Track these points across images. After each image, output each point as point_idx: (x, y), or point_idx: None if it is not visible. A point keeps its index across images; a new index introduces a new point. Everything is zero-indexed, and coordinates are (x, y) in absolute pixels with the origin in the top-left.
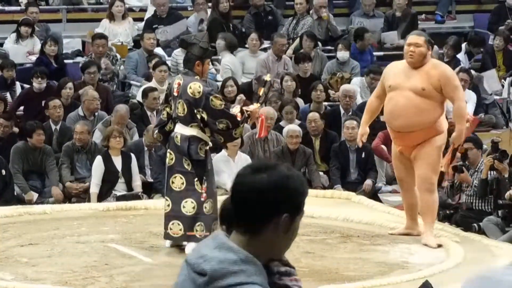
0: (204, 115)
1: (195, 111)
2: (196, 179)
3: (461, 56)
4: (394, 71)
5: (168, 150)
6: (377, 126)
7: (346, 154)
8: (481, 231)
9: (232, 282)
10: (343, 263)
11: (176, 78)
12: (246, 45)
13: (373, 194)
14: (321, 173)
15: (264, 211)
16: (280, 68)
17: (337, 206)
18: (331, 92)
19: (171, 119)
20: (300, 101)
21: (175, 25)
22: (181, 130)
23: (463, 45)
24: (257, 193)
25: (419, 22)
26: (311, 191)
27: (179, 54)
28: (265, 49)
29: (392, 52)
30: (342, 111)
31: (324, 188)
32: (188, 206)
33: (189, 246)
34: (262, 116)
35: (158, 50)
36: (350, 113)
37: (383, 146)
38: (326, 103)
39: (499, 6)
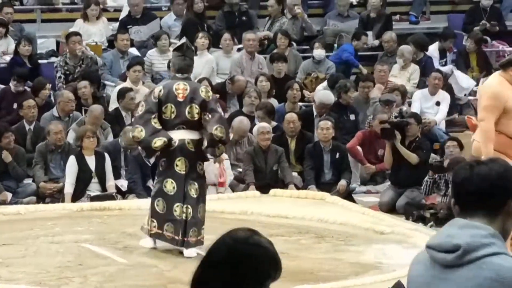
0: (207, 117)
1: (203, 114)
2: (205, 182)
3: (434, 54)
4: (508, 90)
5: (179, 159)
6: (347, 125)
7: (320, 155)
8: None
9: (486, 253)
10: (317, 264)
11: (173, 83)
12: (220, 46)
13: (348, 195)
14: (295, 173)
15: (500, 197)
16: (254, 67)
17: (311, 206)
18: (305, 92)
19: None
20: (274, 101)
21: (149, 25)
22: (190, 136)
23: (436, 44)
24: (491, 182)
25: (393, 22)
26: (285, 192)
27: (153, 54)
28: (240, 50)
29: (367, 52)
30: (315, 112)
31: (298, 188)
32: (202, 211)
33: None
34: None
35: (132, 50)
36: (324, 114)
37: (358, 147)
38: (300, 103)
39: (473, 6)
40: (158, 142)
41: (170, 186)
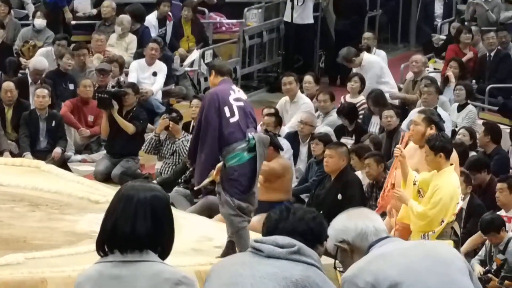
0: None
1: None
2: None
3: (152, 23)
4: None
5: None
6: (65, 94)
7: (36, 123)
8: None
9: (313, 263)
10: (31, 232)
11: None
12: None
13: (63, 163)
14: (10, 142)
15: (312, 239)
16: None
17: (26, 174)
18: (22, 60)
19: None
20: None
21: None
22: None
23: (155, 12)
24: (306, 222)
25: None
26: (0, 159)
27: None
28: None
29: (85, 21)
30: (30, 80)
31: (13, 156)
32: None
33: None
34: None
35: None
36: (39, 82)
37: (70, 114)
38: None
39: None
40: None
41: None
